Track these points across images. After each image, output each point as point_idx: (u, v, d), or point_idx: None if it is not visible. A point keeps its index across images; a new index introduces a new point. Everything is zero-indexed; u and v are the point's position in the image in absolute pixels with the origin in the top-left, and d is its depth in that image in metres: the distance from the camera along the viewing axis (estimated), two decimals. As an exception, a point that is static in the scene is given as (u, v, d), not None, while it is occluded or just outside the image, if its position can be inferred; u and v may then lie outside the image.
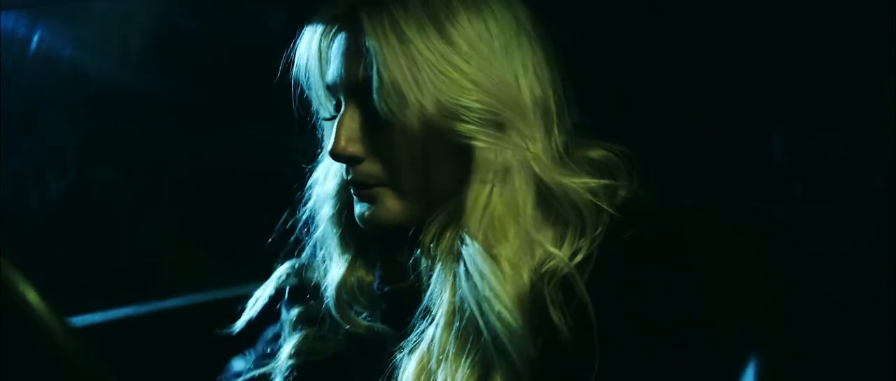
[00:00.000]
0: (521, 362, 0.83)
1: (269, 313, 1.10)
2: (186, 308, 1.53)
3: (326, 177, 1.04)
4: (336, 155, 0.91)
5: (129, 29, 1.74)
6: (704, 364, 0.85)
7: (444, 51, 0.87)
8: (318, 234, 1.04)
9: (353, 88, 0.90)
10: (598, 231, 0.87)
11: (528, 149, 0.89)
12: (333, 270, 1.01)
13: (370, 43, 0.87)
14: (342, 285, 1.00)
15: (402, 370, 0.89)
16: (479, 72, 0.87)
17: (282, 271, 1.10)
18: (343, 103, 0.93)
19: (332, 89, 0.94)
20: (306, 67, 0.97)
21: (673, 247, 0.88)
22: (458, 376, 0.85)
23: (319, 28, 0.95)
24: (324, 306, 1.03)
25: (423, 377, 0.87)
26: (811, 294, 1.11)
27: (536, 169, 0.89)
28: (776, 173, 1.71)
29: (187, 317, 1.51)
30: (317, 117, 1.03)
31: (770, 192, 1.74)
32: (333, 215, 1.02)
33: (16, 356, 0.60)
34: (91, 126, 1.70)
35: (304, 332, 1.05)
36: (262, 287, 1.10)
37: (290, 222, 1.11)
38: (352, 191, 0.95)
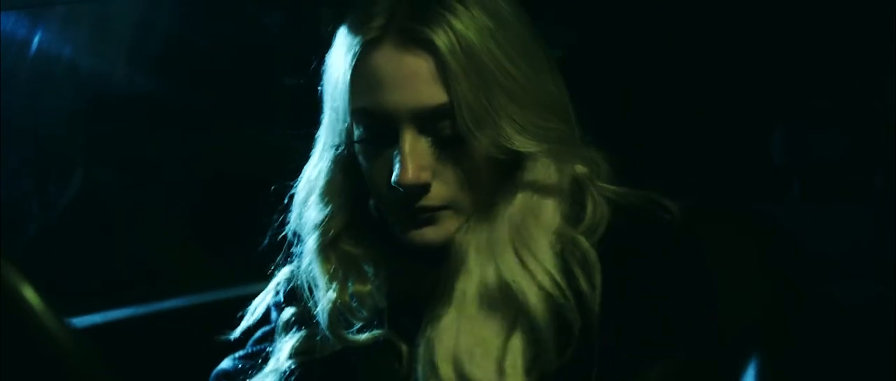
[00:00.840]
0: (545, 325, 0.86)
1: (262, 314, 1.10)
2: (187, 309, 1.53)
3: (308, 201, 1.01)
4: (407, 185, 0.88)
5: (129, 30, 1.74)
6: (713, 361, 0.90)
7: (515, 77, 0.89)
8: (304, 263, 1.01)
9: (421, 114, 0.88)
10: (614, 224, 0.91)
11: (575, 166, 0.94)
12: (324, 294, 0.99)
13: (449, 68, 0.87)
14: (335, 307, 0.98)
15: (424, 353, 0.90)
16: (542, 94, 0.92)
17: (281, 277, 1.09)
18: (400, 130, 0.89)
19: (383, 116, 0.90)
20: (341, 85, 0.93)
21: (692, 246, 0.92)
22: (481, 345, 0.87)
23: (359, 44, 0.90)
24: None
25: (447, 354, 0.88)
26: (811, 295, 1.11)
27: (581, 181, 0.94)
28: (775, 173, 1.71)
29: (187, 318, 1.50)
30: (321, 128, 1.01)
31: (769, 191, 1.74)
32: (319, 247, 0.99)
33: (16, 356, 0.60)
34: (90, 128, 1.71)
35: (302, 332, 1.04)
36: (262, 295, 1.09)
37: (279, 222, 1.10)
38: (403, 216, 0.93)
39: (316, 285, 1.00)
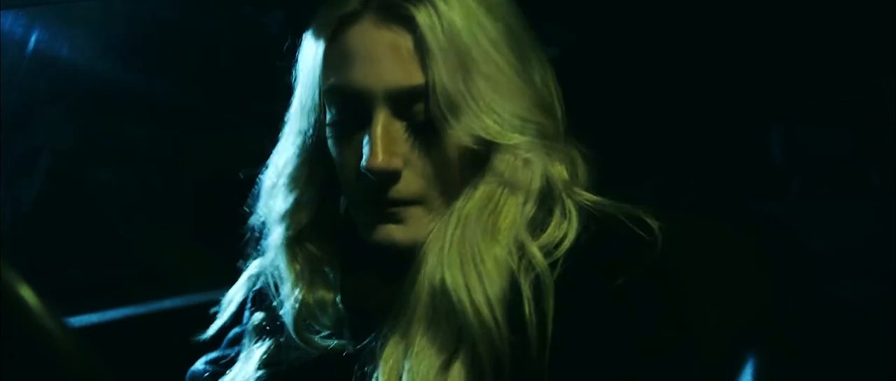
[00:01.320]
0: (486, 352, 0.80)
1: (236, 314, 1.05)
2: (184, 309, 1.53)
3: (274, 190, 0.96)
4: (376, 170, 0.83)
5: (126, 28, 1.74)
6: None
7: (497, 62, 0.84)
8: (270, 257, 0.96)
9: (396, 94, 0.83)
10: (580, 239, 0.83)
11: (553, 163, 0.88)
12: (289, 295, 0.94)
13: (428, 47, 0.81)
14: (301, 311, 0.93)
15: (374, 365, 0.85)
16: (524, 85, 0.86)
17: (251, 271, 1.03)
18: (372, 111, 0.84)
19: (356, 95, 0.84)
20: (313, 63, 0.88)
21: (663, 278, 0.83)
22: (424, 363, 0.81)
23: (336, 19, 0.86)
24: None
25: (392, 369, 0.83)
26: (810, 294, 1.11)
27: (553, 181, 0.88)
28: (774, 171, 1.71)
29: (185, 318, 1.50)
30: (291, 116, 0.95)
31: (769, 190, 1.74)
32: (285, 242, 0.94)
33: (13, 356, 0.59)
34: (87, 126, 1.70)
35: (270, 341, 0.99)
36: (232, 289, 1.03)
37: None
38: (368, 210, 0.88)
39: (282, 283, 0.95)
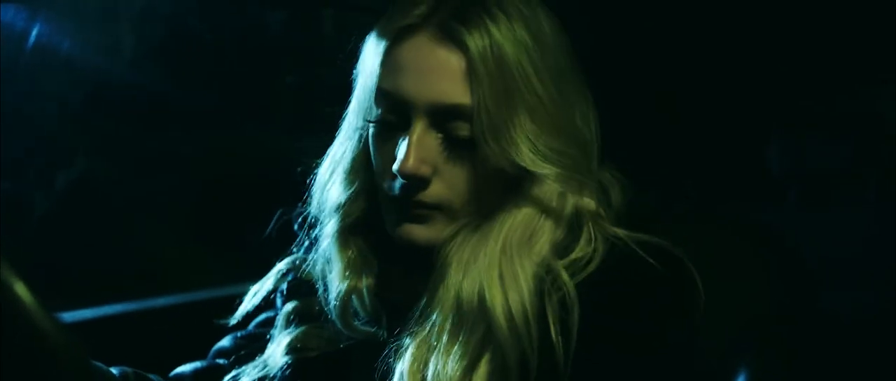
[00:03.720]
0: (512, 359, 0.85)
1: (265, 301, 1.10)
2: (180, 307, 1.53)
3: (331, 180, 1.02)
4: (406, 174, 0.89)
5: (129, 23, 1.74)
6: None
7: (541, 96, 0.90)
8: (322, 246, 1.02)
9: (437, 109, 0.89)
10: (602, 265, 0.89)
11: (582, 197, 0.94)
12: (336, 282, 1.00)
13: (475, 70, 0.87)
14: (347, 297, 0.99)
15: (399, 358, 0.91)
16: (563, 119, 0.92)
17: (282, 266, 1.10)
18: (413, 119, 0.90)
19: (400, 101, 0.90)
20: (371, 66, 0.94)
21: (676, 308, 0.89)
22: (450, 363, 0.87)
23: (396, 30, 0.92)
24: (321, 304, 1.03)
25: (417, 365, 0.89)
26: (806, 303, 1.11)
27: (582, 212, 0.94)
28: (772, 180, 1.71)
29: (181, 316, 1.51)
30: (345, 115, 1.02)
31: (766, 198, 1.74)
32: (338, 230, 1.00)
33: (6, 352, 0.60)
34: (89, 122, 1.70)
35: (300, 328, 1.05)
36: (261, 281, 1.10)
37: (282, 219, 1.10)
38: (396, 208, 0.93)
39: (330, 270, 1.01)
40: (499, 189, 0.92)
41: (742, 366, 1.02)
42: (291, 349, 1.03)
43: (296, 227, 1.08)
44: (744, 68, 1.66)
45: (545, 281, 0.88)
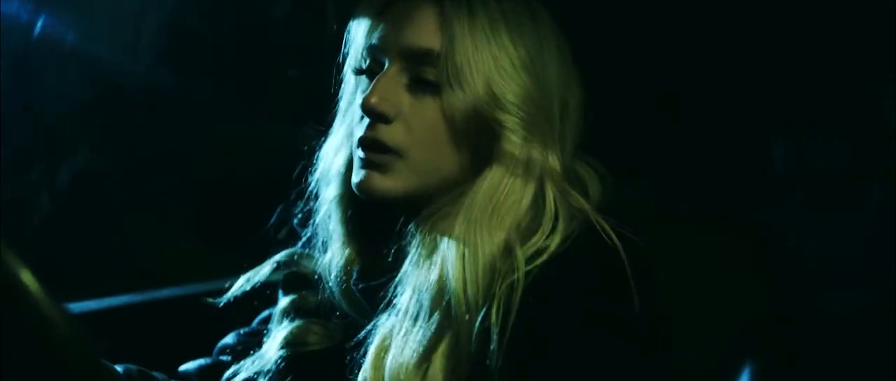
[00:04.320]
0: (465, 346, 0.85)
1: (268, 296, 1.12)
2: (184, 298, 1.53)
3: (336, 153, 1.04)
4: (367, 108, 0.92)
5: (132, 19, 1.74)
6: None
7: (508, 50, 0.92)
8: (321, 213, 1.04)
9: (407, 53, 0.93)
10: (562, 246, 0.89)
11: (547, 158, 0.93)
12: (336, 254, 1.02)
13: (447, 16, 0.91)
14: (347, 266, 1.01)
15: (368, 345, 0.91)
16: (528, 77, 0.93)
17: (279, 256, 1.11)
18: (387, 64, 0.94)
19: (377, 49, 0.95)
20: (359, 20, 0.99)
21: (626, 281, 0.86)
22: (407, 349, 0.87)
23: (377, 3, 0.97)
24: (317, 297, 1.04)
25: (380, 352, 0.90)
26: (807, 304, 1.11)
27: (546, 178, 0.93)
28: (777, 181, 1.70)
29: (184, 307, 1.51)
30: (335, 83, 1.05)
31: (767, 198, 1.74)
32: (339, 195, 1.02)
33: (13, 341, 0.60)
34: (92, 116, 1.70)
35: (296, 322, 1.06)
36: (255, 269, 1.10)
37: (282, 215, 1.11)
38: (360, 155, 0.95)
39: (330, 239, 1.03)
40: (461, 144, 0.93)
41: (744, 367, 1.02)
42: (286, 343, 1.04)
43: (295, 222, 1.09)
44: (745, 68, 1.66)
45: (502, 263, 0.88)
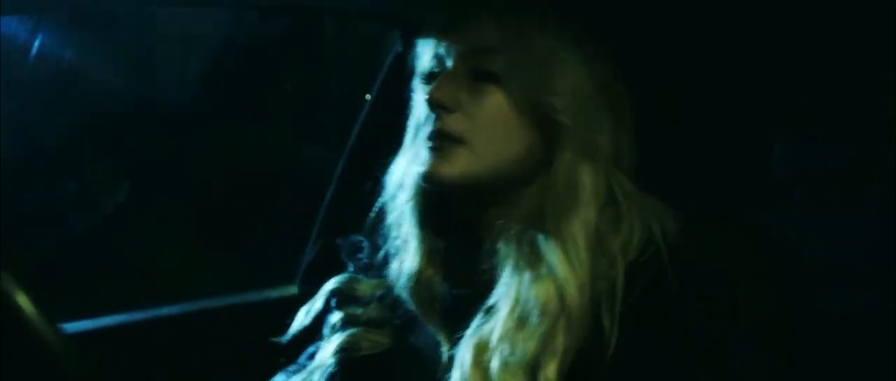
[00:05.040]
0: (574, 347, 0.90)
1: (312, 329, 1.13)
2: (181, 317, 1.53)
3: (409, 164, 1.07)
4: (430, 99, 0.97)
5: (131, 33, 1.75)
6: None
7: (562, 43, 1.00)
8: (392, 218, 1.08)
9: (468, 51, 1.00)
10: (653, 250, 0.93)
11: (608, 149, 0.99)
12: (410, 258, 1.05)
13: (503, 24, 0.99)
14: (421, 273, 1.03)
15: (461, 351, 0.94)
16: (582, 68, 1.00)
17: (331, 284, 1.13)
18: (449, 66, 1.01)
19: (442, 55, 1.02)
20: (425, 39, 1.05)
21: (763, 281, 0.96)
22: (518, 351, 0.90)
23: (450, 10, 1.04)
24: (368, 313, 1.09)
25: (480, 355, 0.92)
26: (808, 305, 1.11)
27: (612, 169, 0.99)
28: (776, 182, 1.70)
29: (181, 326, 1.51)
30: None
31: (768, 199, 1.74)
32: (413, 196, 1.06)
33: (9, 363, 0.60)
34: (91, 131, 1.71)
35: (349, 331, 1.08)
36: (310, 301, 1.13)
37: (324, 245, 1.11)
38: (426, 146, 0.99)
39: (403, 247, 1.06)
40: (521, 134, 0.98)
41: (744, 368, 1.02)
42: (339, 350, 1.07)
43: (343, 254, 1.13)
44: (745, 69, 1.66)
45: (598, 253, 0.92)
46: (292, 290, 1.59)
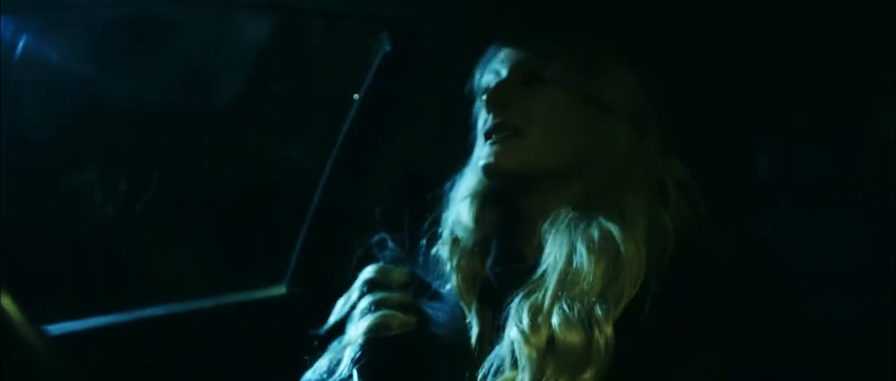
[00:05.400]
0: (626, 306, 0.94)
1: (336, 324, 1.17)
2: (167, 318, 1.53)
3: (472, 172, 1.15)
4: (488, 98, 1.07)
5: (126, 36, 1.75)
6: None
7: (620, 79, 1.11)
8: (452, 212, 1.14)
9: (521, 61, 1.10)
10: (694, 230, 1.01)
11: (654, 142, 1.08)
12: (467, 247, 1.11)
13: (555, 41, 1.11)
14: (471, 252, 1.10)
15: (513, 315, 0.98)
16: (628, 68, 1.11)
17: (366, 274, 1.19)
18: (504, 76, 1.11)
19: (498, 69, 1.12)
20: (485, 63, 1.15)
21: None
22: (575, 309, 0.94)
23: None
24: (399, 297, 1.14)
25: (535, 316, 0.96)
26: (793, 310, 1.11)
27: (657, 160, 1.07)
28: (761, 188, 1.71)
29: (167, 327, 1.51)
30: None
31: (755, 206, 1.75)
32: (473, 188, 1.13)
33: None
34: (85, 134, 1.71)
35: (379, 313, 1.12)
36: (347, 293, 1.18)
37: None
38: (487, 142, 1.07)
39: (461, 240, 1.12)
40: (573, 129, 1.06)
41: (730, 374, 1.02)
42: (368, 330, 1.10)
43: (373, 249, 1.19)
44: (729, 78, 1.67)
45: (652, 222, 0.99)
46: (281, 290, 1.60)
